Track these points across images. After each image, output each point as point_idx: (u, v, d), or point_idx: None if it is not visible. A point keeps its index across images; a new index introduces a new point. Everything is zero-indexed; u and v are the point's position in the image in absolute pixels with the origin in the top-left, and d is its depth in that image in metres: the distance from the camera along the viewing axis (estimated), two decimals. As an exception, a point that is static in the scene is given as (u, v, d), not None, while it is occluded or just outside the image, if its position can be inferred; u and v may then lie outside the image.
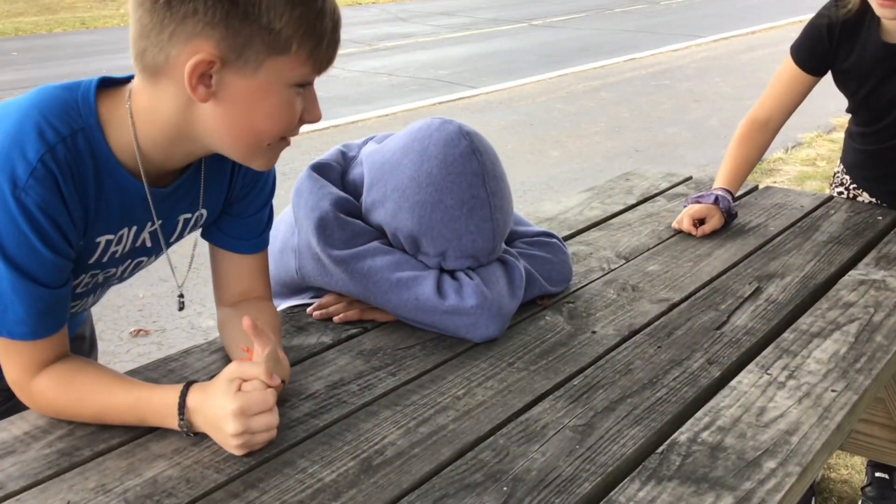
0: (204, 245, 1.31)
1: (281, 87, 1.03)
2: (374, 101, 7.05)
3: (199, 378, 1.24)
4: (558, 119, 6.63)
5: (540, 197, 4.77)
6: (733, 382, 1.27)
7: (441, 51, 9.67)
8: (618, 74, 8.36)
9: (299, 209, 1.42)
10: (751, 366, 1.32)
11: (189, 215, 1.21)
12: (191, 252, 1.32)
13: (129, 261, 1.20)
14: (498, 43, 10.25)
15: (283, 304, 1.51)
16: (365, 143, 1.54)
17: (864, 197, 2.07)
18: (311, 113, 1.08)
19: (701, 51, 9.79)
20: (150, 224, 1.16)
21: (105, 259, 1.14)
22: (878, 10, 1.72)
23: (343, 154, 1.52)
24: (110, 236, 1.12)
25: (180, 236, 1.24)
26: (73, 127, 1.02)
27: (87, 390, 1.11)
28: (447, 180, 1.35)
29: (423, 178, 1.35)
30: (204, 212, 1.23)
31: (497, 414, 1.18)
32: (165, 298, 3.47)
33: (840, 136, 6.06)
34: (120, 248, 1.15)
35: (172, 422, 1.09)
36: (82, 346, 1.54)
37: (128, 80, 1.08)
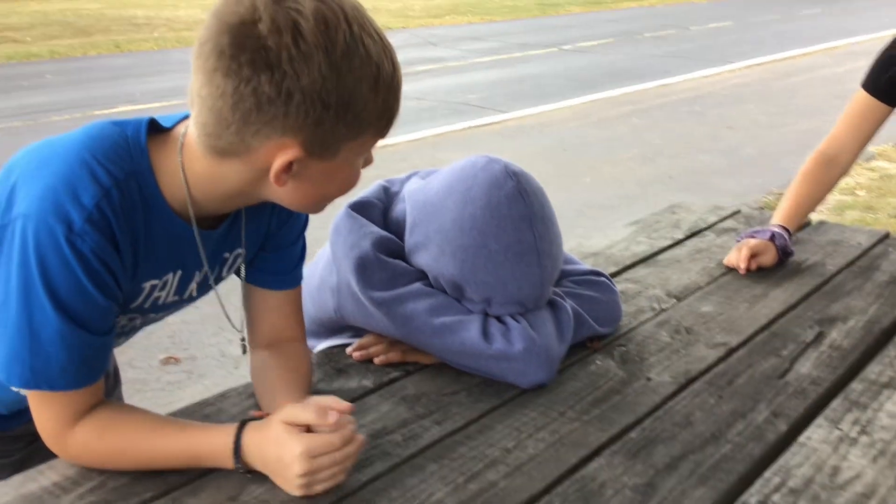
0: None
1: (354, 160, 1.01)
2: (405, 126, 7.01)
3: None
4: (591, 145, 6.56)
5: (574, 224, 4.70)
6: (802, 438, 1.19)
7: (471, 75, 9.65)
8: (649, 100, 8.29)
9: (338, 248, 1.36)
10: (819, 419, 1.24)
11: (228, 254, 1.17)
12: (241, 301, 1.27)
13: (173, 310, 1.15)
14: (528, 68, 10.21)
15: (321, 345, 1.45)
16: (408, 178, 1.48)
17: None
18: (367, 161, 1.06)
19: (733, 77, 9.69)
20: (198, 272, 1.11)
21: (147, 305, 1.10)
22: None
23: (385, 190, 1.46)
24: (155, 281, 1.08)
25: (220, 278, 1.19)
26: (125, 170, 0.98)
27: (130, 437, 1.06)
28: (492, 224, 1.28)
29: (466, 222, 1.29)
30: (242, 251, 1.18)
31: (550, 470, 1.11)
32: (196, 325, 3.43)
33: (879, 164, 5.96)
34: (164, 294, 1.10)
35: (228, 462, 1.04)
36: (106, 383, 1.49)
37: (174, 124, 1.04)
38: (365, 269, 1.32)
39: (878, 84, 1.84)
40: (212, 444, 1.05)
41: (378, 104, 0.96)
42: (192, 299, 1.18)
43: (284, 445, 1.01)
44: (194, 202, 1.03)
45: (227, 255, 1.16)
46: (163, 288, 1.10)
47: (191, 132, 0.99)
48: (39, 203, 0.94)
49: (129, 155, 0.99)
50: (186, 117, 1.05)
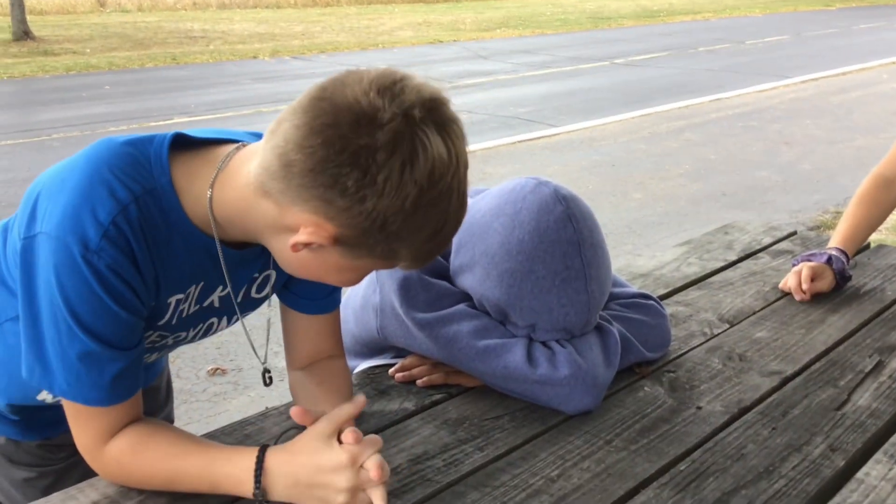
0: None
1: (367, 271, 1.01)
2: (454, 139, 7.01)
3: (277, 444, 1.17)
4: (641, 160, 6.48)
5: (622, 241, 4.64)
6: (860, 474, 1.14)
7: (521, 89, 9.63)
8: (703, 115, 8.18)
9: None
10: (878, 454, 1.19)
11: (257, 275, 1.15)
12: (266, 323, 1.25)
13: (201, 324, 1.15)
14: (579, 81, 10.16)
15: (363, 364, 1.44)
16: (455, 196, 1.45)
17: None
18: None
19: (789, 91, 9.52)
20: (220, 288, 1.10)
21: (174, 321, 1.09)
22: None
23: None
24: (180, 295, 1.07)
25: (249, 298, 1.18)
26: (144, 185, 0.97)
27: (161, 455, 1.05)
28: (539, 248, 1.25)
29: (513, 245, 1.26)
30: (273, 273, 1.17)
31: (596, 502, 1.07)
32: (243, 336, 3.44)
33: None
34: (186, 306, 1.09)
35: (247, 488, 1.01)
36: (157, 398, 1.49)
37: (202, 142, 1.03)
38: (409, 290, 1.30)
39: None
40: (232, 465, 1.03)
41: (424, 251, 0.96)
42: (217, 313, 1.15)
43: (323, 455, 0.99)
44: (220, 229, 1.02)
45: (256, 275, 1.15)
46: (185, 301, 1.09)
47: (244, 158, 0.98)
48: (58, 220, 0.94)
49: (149, 171, 0.98)
50: (231, 141, 1.04)
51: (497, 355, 1.27)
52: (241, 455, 1.04)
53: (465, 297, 1.34)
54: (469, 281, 1.31)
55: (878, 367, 1.44)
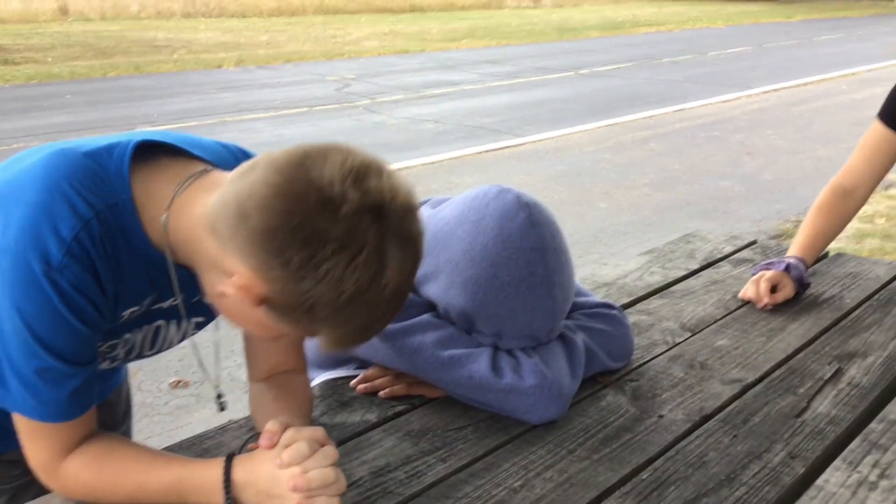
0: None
1: (287, 333, 0.99)
2: (421, 148, 7.02)
3: (235, 458, 1.15)
4: (606, 170, 6.53)
5: (588, 250, 4.66)
6: (819, 481, 1.15)
7: (487, 99, 9.66)
8: (667, 125, 8.26)
9: None
10: (837, 461, 1.20)
11: None
12: (214, 347, 1.24)
13: (146, 325, 1.12)
14: (544, 92, 10.22)
15: (324, 376, 1.43)
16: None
17: None
18: None
19: (751, 102, 9.66)
20: (172, 298, 1.09)
21: (120, 326, 1.08)
22: None
23: None
24: (135, 308, 1.06)
25: (200, 305, 1.16)
26: (106, 200, 0.96)
27: (124, 469, 1.04)
28: (503, 255, 1.25)
29: (477, 252, 1.26)
30: None
31: (558, 512, 1.07)
32: (206, 349, 3.40)
33: (899, 192, 5.87)
34: (139, 312, 1.08)
35: (217, 499, 1.01)
36: (115, 413, 1.47)
37: (168, 149, 1.02)
38: None
39: (894, 116, 1.80)
40: (200, 478, 1.02)
41: (346, 339, 0.95)
42: (165, 315, 1.14)
43: (277, 476, 0.98)
44: (173, 251, 1.01)
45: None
46: (138, 311, 1.08)
47: (203, 188, 0.97)
48: (16, 235, 0.92)
49: (110, 185, 0.97)
50: (185, 153, 1.02)
51: (462, 365, 1.27)
52: (207, 466, 1.03)
53: (430, 307, 1.34)
54: (433, 289, 1.31)
55: (837, 374, 1.46)
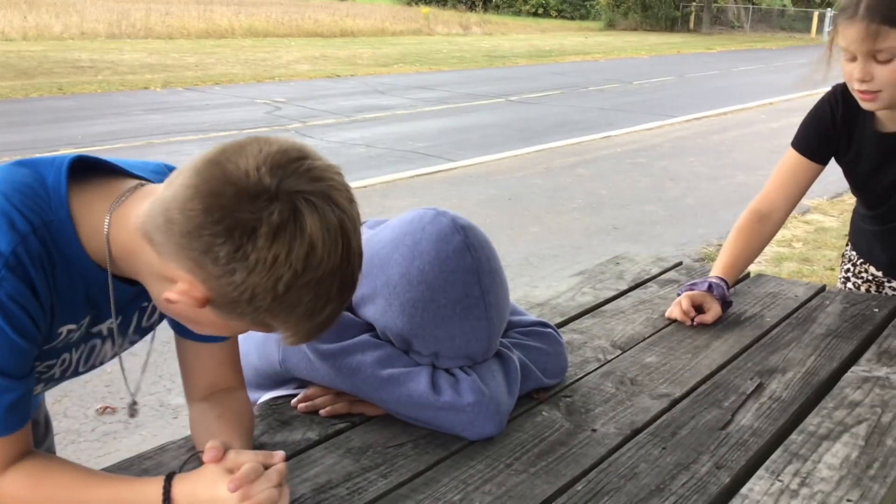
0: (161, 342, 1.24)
1: (243, 331, 1.01)
2: (353, 172, 7.03)
3: (174, 478, 1.15)
4: (536, 194, 6.65)
5: (520, 273, 4.73)
6: (744, 490, 1.20)
7: (418, 123, 9.75)
8: (594, 151, 8.46)
9: None
10: (760, 471, 1.26)
11: (147, 304, 1.15)
12: (145, 357, 1.24)
13: (83, 345, 1.12)
14: (475, 117, 10.36)
15: (265, 396, 1.43)
16: (357, 227, 1.47)
17: (872, 270, 2.09)
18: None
19: (674, 130, 9.96)
20: (110, 320, 1.10)
21: (60, 345, 1.07)
22: (861, 104, 1.74)
23: None
24: (72, 325, 1.06)
25: (139, 327, 1.17)
26: (43, 217, 0.97)
27: (60, 487, 1.03)
28: (440, 278, 1.28)
29: (414, 275, 1.29)
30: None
31: (497, 524, 1.10)
32: (134, 374, 3.34)
33: (814, 217, 6.14)
34: (77, 334, 1.08)
35: None
36: (37, 431, 1.44)
37: (104, 168, 1.03)
38: None
39: (808, 143, 1.91)
40: (139, 496, 1.02)
41: (302, 329, 0.96)
42: (101, 337, 1.14)
43: (219, 488, 0.99)
44: (114, 264, 1.02)
45: (145, 304, 1.15)
46: (77, 330, 1.07)
47: (138, 200, 0.98)
48: None
49: (47, 203, 0.98)
50: (122, 171, 1.03)
51: (401, 384, 1.29)
52: (146, 484, 1.03)
53: (369, 328, 1.36)
54: (371, 312, 1.33)
55: (759, 388, 1.52)
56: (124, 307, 1.10)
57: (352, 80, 13.47)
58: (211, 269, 0.90)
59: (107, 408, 3.13)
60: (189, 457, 1.17)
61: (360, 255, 0.96)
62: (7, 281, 0.93)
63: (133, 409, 1.23)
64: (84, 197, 1.00)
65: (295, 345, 0.98)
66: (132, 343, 1.21)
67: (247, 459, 1.02)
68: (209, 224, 0.88)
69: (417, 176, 7.10)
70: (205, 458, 1.03)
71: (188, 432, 1.31)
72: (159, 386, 3.28)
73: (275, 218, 0.88)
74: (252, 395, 1.41)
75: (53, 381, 1.17)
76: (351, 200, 0.95)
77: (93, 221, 1.00)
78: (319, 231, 0.90)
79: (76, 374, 1.18)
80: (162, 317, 1.19)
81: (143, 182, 1.04)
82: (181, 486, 1.02)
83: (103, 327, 1.11)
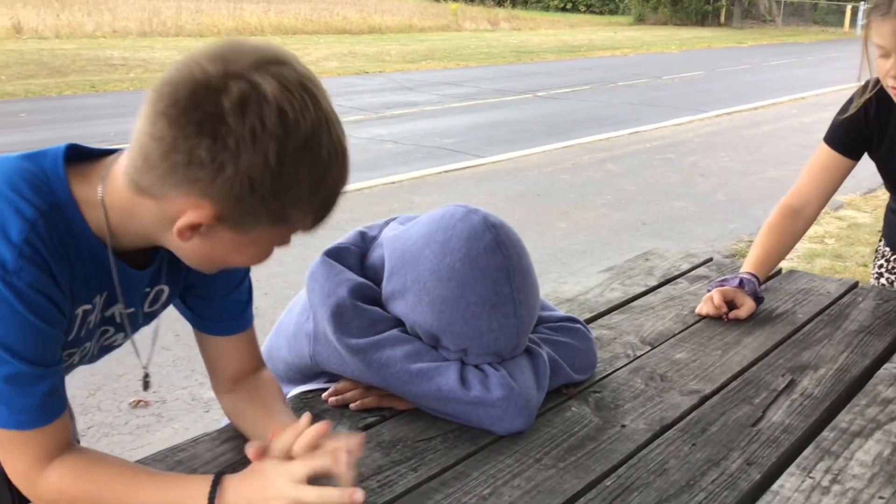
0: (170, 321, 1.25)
1: (267, 243, 1.01)
2: (381, 168, 7.06)
3: (208, 470, 1.17)
4: (565, 190, 6.63)
5: (548, 269, 4.72)
6: (775, 486, 1.20)
7: (446, 120, 9.75)
8: (623, 147, 8.41)
9: (314, 295, 1.36)
10: (792, 468, 1.25)
11: (149, 290, 1.16)
12: (153, 330, 1.26)
13: (97, 330, 1.14)
14: (503, 113, 10.34)
15: (296, 389, 1.45)
16: (387, 223, 1.48)
17: None
18: (282, 244, 1.04)
19: (704, 125, 9.87)
20: (120, 304, 1.11)
21: (82, 333, 1.09)
22: (894, 96, 1.71)
23: (363, 236, 1.47)
24: (87, 306, 1.07)
25: (143, 313, 1.19)
26: (47, 200, 0.98)
27: (105, 483, 1.04)
28: (470, 276, 1.28)
29: (444, 273, 1.29)
30: (165, 288, 1.17)
31: (526, 518, 1.10)
32: (167, 368, 3.39)
33: (847, 213, 6.06)
34: (93, 318, 1.10)
35: None
36: None
37: (98, 153, 1.05)
38: (342, 317, 1.32)
39: (841, 138, 1.88)
40: (186, 493, 1.03)
41: (314, 204, 0.96)
42: (113, 323, 1.15)
43: (268, 488, 1.00)
44: (113, 233, 1.03)
45: (147, 289, 1.16)
46: (92, 312, 1.09)
47: (120, 162, 1.00)
48: None
49: (48, 186, 0.99)
50: (114, 151, 1.06)
51: (430, 378, 1.30)
52: (193, 482, 1.04)
53: (398, 323, 1.37)
54: (401, 307, 1.34)
55: (791, 385, 1.51)
56: (127, 287, 1.11)
57: (380, 77, 13.51)
58: (202, 176, 0.90)
59: (140, 401, 3.17)
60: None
61: (336, 117, 0.96)
62: (25, 271, 0.94)
63: (146, 382, 1.25)
64: (81, 176, 1.02)
65: (310, 229, 0.98)
66: (146, 320, 1.22)
67: (288, 440, 1.03)
68: (179, 135, 0.90)
69: (445, 172, 7.11)
70: (249, 455, 1.04)
71: (220, 425, 1.33)
72: (191, 380, 3.32)
73: (234, 95, 0.89)
74: (283, 388, 1.43)
75: (72, 368, 1.19)
76: (302, 66, 0.95)
77: (90, 195, 1.01)
78: (281, 92, 0.90)
79: (92, 360, 1.20)
80: (167, 303, 1.21)
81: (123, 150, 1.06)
82: (230, 480, 1.03)
83: (116, 311, 1.12)
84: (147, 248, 1.08)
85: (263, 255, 1.04)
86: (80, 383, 3.26)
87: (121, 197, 0.99)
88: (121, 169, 0.99)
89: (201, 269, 1.08)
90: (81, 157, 1.04)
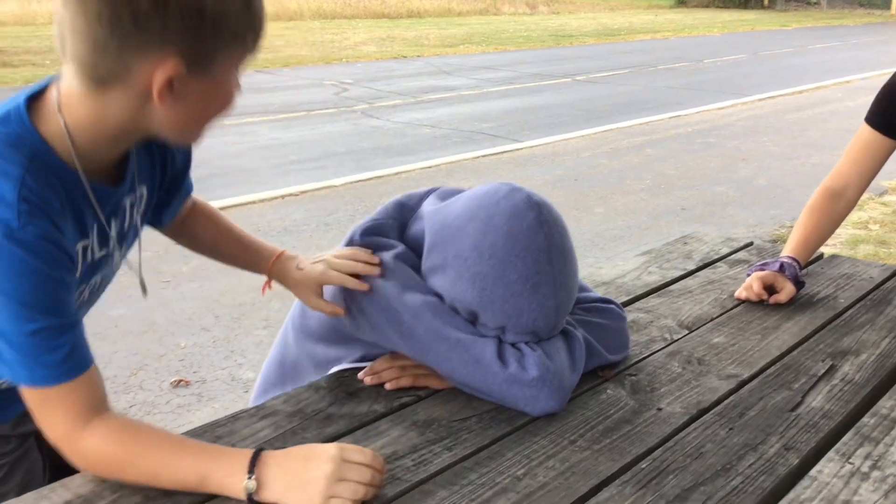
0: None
1: (230, 75, 1.05)
2: (418, 153, 7.06)
3: (246, 445, 1.19)
4: (603, 175, 6.58)
5: (584, 254, 4.70)
6: (813, 472, 1.19)
7: (484, 104, 9.71)
8: (663, 131, 8.32)
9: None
10: (830, 453, 1.23)
11: (127, 199, 1.19)
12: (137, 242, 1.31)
13: (101, 261, 1.17)
14: (541, 97, 10.27)
15: (333, 368, 1.46)
16: (427, 193, 1.48)
17: None
18: (236, 85, 1.09)
19: (746, 109, 9.72)
20: (114, 220, 1.16)
21: (87, 267, 1.12)
22: None
23: (401, 206, 1.47)
24: (85, 241, 1.10)
25: (135, 225, 1.23)
26: (26, 155, 1.00)
27: (149, 445, 1.06)
28: (511, 254, 1.28)
29: (486, 250, 1.29)
30: (143, 190, 1.22)
31: (560, 499, 1.11)
32: (207, 348, 3.44)
33: (892, 198, 5.94)
34: (91, 252, 1.13)
35: (239, 478, 1.03)
36: None
37: (44, 88, 1.07)
38: (394, 273, 1.35)
39: (882, 118, 1.84)
40: (226, 458, 1.06)
41: (249, 16, 1.01)
42: (119, 248, 1.20)
43: (314, 448, 1.06)
44: (84, 153, 1.05)
45: (131, 197, 1.18)
46: (90, 246, 1.12)
47: (66, 79, 1.02)
48: None
49: (20, 139, 1.01)
50: (53, 79, 1.08)
51: (467, 349, 1.30)
52: (235, 452, 1.07)
53: (438, 297, 1.37)
54: (440, 282, 1.34)
55: (831, 370, 1.49)
56: (109, 206, 1.14)
57: (418, 61, 13.49)
58: (154, 26, 0.94)
59: (181, 381, 3.22)
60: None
61: None
62: (29, 224, 0.97)
63: (142, 288, 1.29)
64: (41, 118, 1.04)
65: (255, 50, 1.04)
66: (130, 245, 1.27)
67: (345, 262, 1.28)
68: (114, 2, 0.93)
69: (483, 157, 7.09)
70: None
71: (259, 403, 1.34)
72: (231, 361, 3.37)
73: None
74: (315, 353, 1.45)
75: (84, 308, 1.22)
76: None
77: (57, 130, 1.03)
78: None
79: (100, 292, 1.25)
80: (149, 203, 1.25)
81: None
82: (272, 453, 1.06)
83: (112, 234, 1.16)
84: (119, 161, 1.12)
85: (229, 98, 1.07)
86: (122, 363, 3.33)
87: (85, 107, 1.02)
88: (70, 84, 1.02)
89: (185, 140, 1.12)
90: (35, 98, 1.07)
